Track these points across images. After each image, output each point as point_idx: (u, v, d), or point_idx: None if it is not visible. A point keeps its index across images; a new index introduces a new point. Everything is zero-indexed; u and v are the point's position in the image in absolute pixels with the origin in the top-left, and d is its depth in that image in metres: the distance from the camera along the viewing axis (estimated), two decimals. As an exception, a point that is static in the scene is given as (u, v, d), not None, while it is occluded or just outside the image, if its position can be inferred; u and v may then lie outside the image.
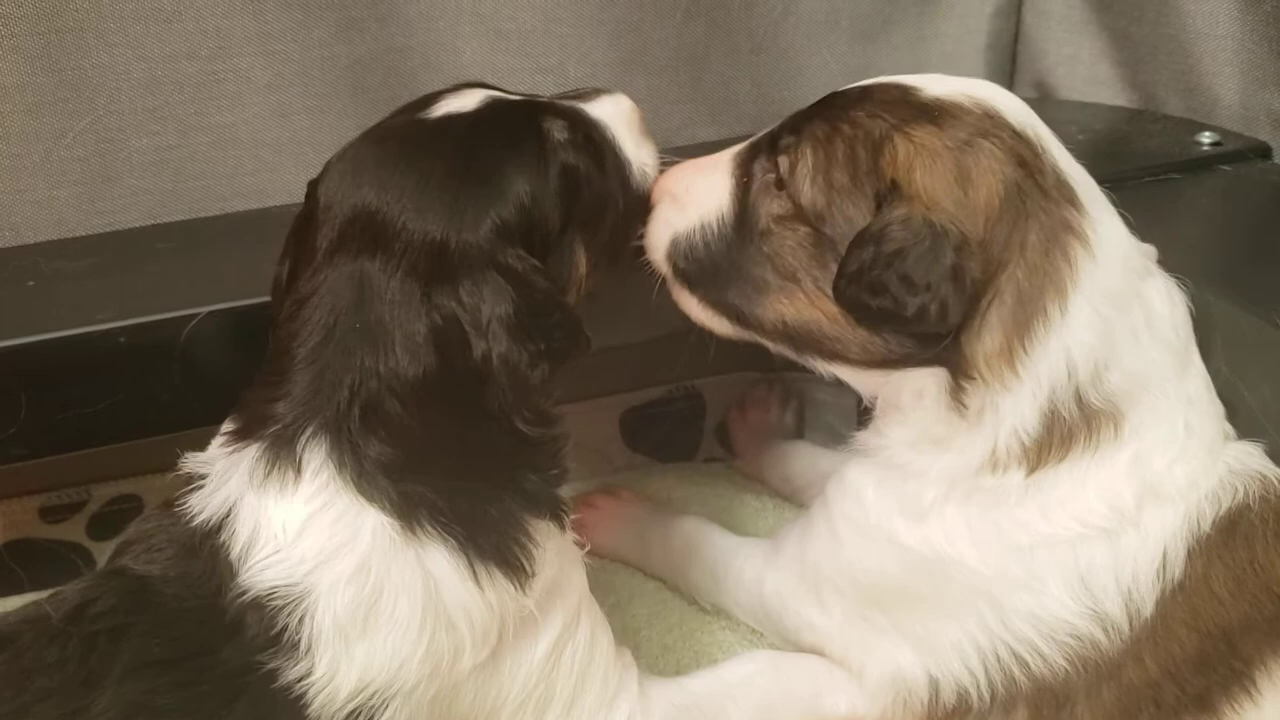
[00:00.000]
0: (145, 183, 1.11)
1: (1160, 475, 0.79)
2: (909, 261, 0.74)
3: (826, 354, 0.83)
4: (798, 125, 0.83)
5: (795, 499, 1.17)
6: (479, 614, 0.74)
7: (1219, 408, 0.84)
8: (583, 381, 1.22)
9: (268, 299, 0.85)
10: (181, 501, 0.75)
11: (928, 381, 0.80)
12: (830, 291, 0.79)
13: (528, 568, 0.75)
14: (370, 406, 0.72)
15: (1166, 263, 0.85)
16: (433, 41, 1.16)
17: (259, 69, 1.11)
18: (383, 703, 0.72)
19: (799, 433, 1.27)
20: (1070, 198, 0.79)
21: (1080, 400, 0.77)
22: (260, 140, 1.13)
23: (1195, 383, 0.83)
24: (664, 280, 0.89)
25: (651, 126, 0.91)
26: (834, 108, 0.82)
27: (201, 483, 0.75)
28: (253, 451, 0.74)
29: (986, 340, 0.77)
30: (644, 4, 1.19)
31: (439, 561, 0.73)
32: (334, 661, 0.71)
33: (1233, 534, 0.79)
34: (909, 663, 0.85)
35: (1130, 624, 0.78)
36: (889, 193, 0.77)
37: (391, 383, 0.72)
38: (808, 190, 0.80)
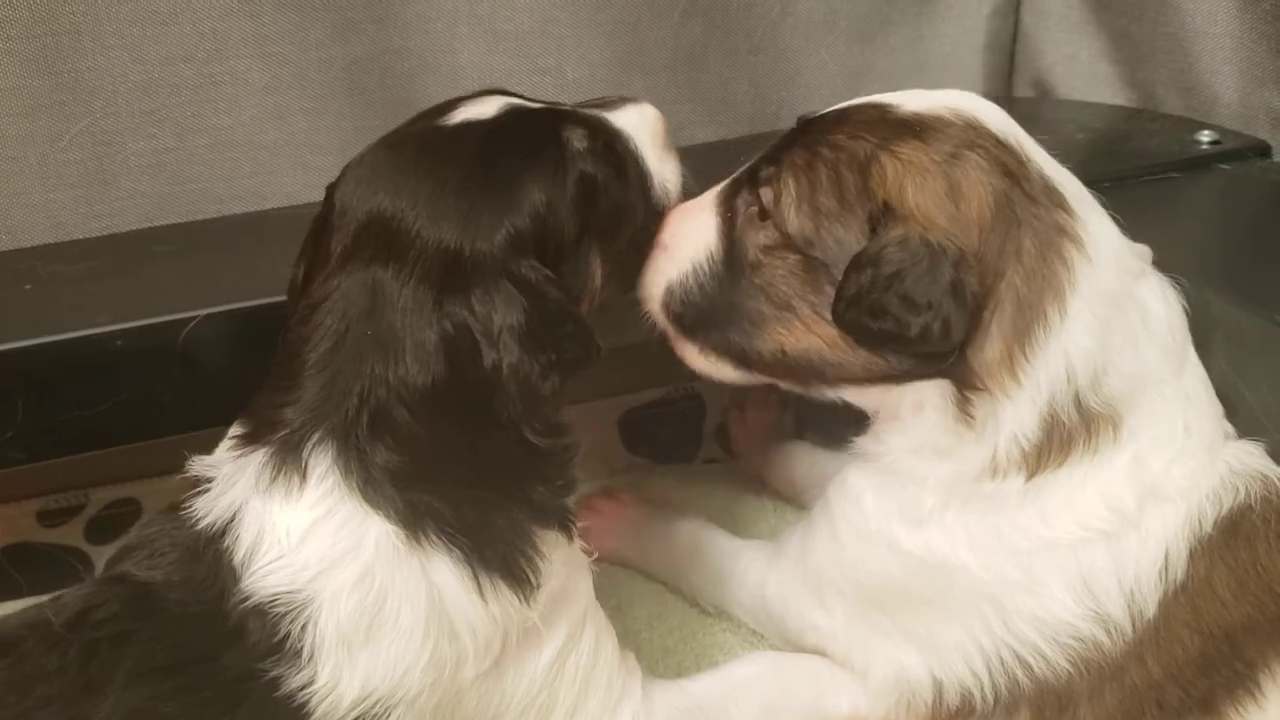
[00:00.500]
0: (142, 185, 1.11)
1: (1159, 475, 0.78)
2: (908, 282, 0.74)
3: (830, 379, 0.83)
4: (776, 155, 0.83)
5: (795, 500, 1.17)
6: (482, 625, 0.74)
7: (1217, 406, 0.84)
8: (581, 383, 1.22)
9: (265, 301, 0.85)
10: (186, 505, 0.75)
11: (929, 393, 0.79)
12: (827, 315, 0.78)
13: (533, 579, 0.75)
14: (379, 414, 0.72)
15: (1166, 262, 0.85)
16: (430, 43, 1.15)
17: (256, 71, 1.11)
18: (385, 711, 0.72)
19: (798, 433, 1.26)
20: (1060, 202, 0.78)
21: (1079, 404, 0.77)
22: (257, 142, 1.13)
23: (1192, 382, 0.82)
24: (663, 334, 0.88)
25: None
26: (811, 134, 0.82)
27: (207, 486, 0.75)
28: (259, 456, 0.73)
29: (988, 350, 0.77)
30: (641, 4, 1.19)
31: (443, 572, 0.73)
32: (337, 669, 0.70)
33: (1235, 534, 0.79)
34: (913, 664, 0.85)
35: (1133, 625, 0.78)
36: (882, 214, 0.76)
37: (401, 391, 0.72)
38: (793, 218, 0.80)
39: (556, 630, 0.80)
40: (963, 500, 0.80)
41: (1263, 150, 1.16)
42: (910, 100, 0.81)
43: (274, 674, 0.70)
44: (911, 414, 0.81)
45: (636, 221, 0.84)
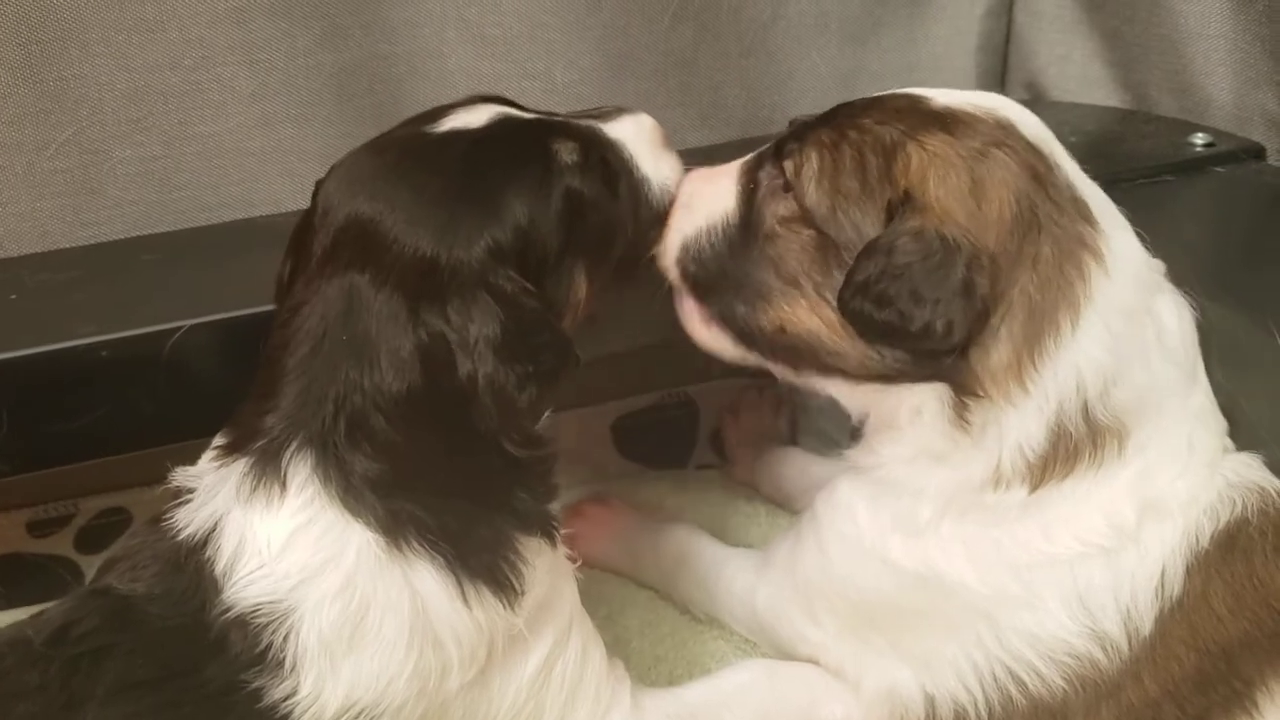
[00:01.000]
0: (130, 194, 1.10)
1: (1162, 492, 0.78)
2: (918, 275, 0.73)
3: (823, 367, 0.82)
4: (803, 132, 0.83)
5: (788, 506, 1.17)
6: (467, 633, 0.73)
7: (1222, 423, 0.83)
8: (574, 389, 1.21)
9: (254, 311, 0.84)
10: (168, 516, 0.75)
11: (927, 397, 0.78)
12: (832, 299, 0.78)
13: (517, 586, 0.75)
14: (355, 421, 0.71)
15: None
16: (418, 48, 1.15)
17: (243, 78, 1.10)
18: None
19: (792, 439, 1.26)
20: (1084, 214, 0.78)
21: (1088, 416, 0.76)
22: (245, 150, 1.12)
23: (1201, 399, 0.82)
24: (668, 291, 0.88)
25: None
26: (841, 115, 0.82)
27: (188, 497, 0.75)
28: (240, 466, 0.73)
29: (995, 355, 0.76)
30: (631, 8, 1.18)
31: (426, 580, 0.72)
32: (319, 680, 0.70)
33: (1231, 549, 0.78)
34: (904, 679, 0.84)
35: (1129, 643, 0.77)
36: (902, 202, 0.76)
37: (377, 398, 0.71)
38: (813, 193, 0.79)
39: (542, 638, 0.79)
40: (961, 511, 0.79)
41: (1257, 152, 1.15)
42: (944, 95, 0.81)
43: (256, 685, 0.69)
44: (909, 421, 0.80)
45: (626, 236, 0.83)
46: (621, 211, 0.83)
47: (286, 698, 0.70)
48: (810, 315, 0.80)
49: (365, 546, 0.71)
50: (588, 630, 0.85)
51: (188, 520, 0.74)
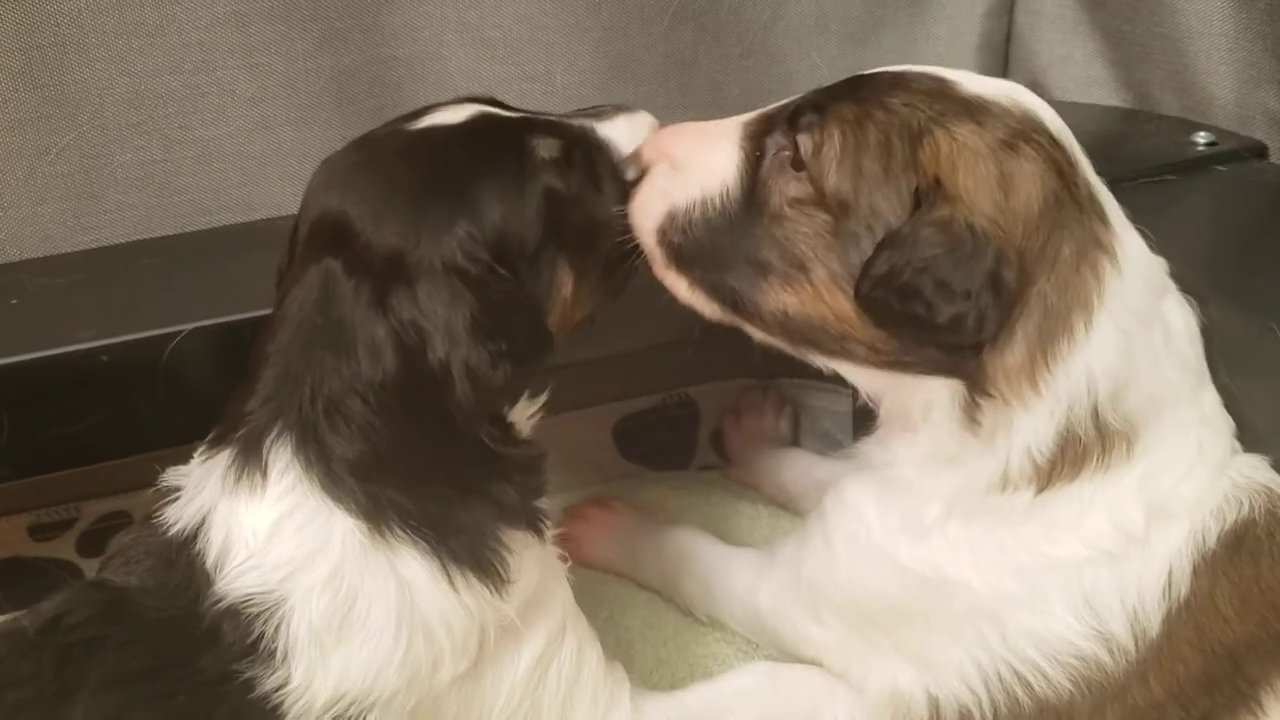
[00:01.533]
0: (130, 198, 1.10)
1: (1169, 495, 0.77)
2: (947, 267, 0.70)
3: (827, 351, 0.79)
4: (822, 104, 0.78)
5: (790, 507, 1.16)
6: (457, 619, 0.74)
7: (1230, 425, 0.83)
8: (575, 390, 1.21)
9: (255, 314, 0.85)
10: (158, 514, 0.75)
11: (939, 393, 0.77)
12: (844, 286, 0.75)
13: (503, 573, 0.75)
14: (333, 404, 0.72)
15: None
16: (418, 51, 1.15)
17: (243, 82, 1.10)
18: (360, 713, 0.72)
19: (794, 440, 1.26)
20: (1100, 213, 0.76)
21: (1097, 419, 0.75)
22: (245, 153, 1.13)
23: (1209, 401, 0.81)
24: (647, 260, 0.83)
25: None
26: (864, 90, 0.77)
27: (177, 495, 0.76)
28: (224, 458, 0.74)
29: (1009, 356, 0.74)
30: (631, 10, 1.18)
31: (411, 565, 0.72)
32: (310, 670, 0.70)
33: (1238, 550, 0.77)
34: (908, 681, 0.83)
35: (1136, 645, 0.76)
36: (931, 191, 0.72)
37: (354, 383, 0.72)
38: (833, 175, 0.75)
39: (534, 634, 0.80)
40: (967, 512, 0.79)
41: (1260, 151, 1.15)
42: (971, 80, 0.77)
43: (249, 676, 0.70)
44: (922, 417, 0.78)
45: (615, 235, 0.82)
46: (609, 212, 0.82)
47: (278, 688, 0.70)
48: (817, 302, 0.77)
49: (349, 534, 0.72)
50: (583, 630, 0.85)
51: (177, 516, 0.74)
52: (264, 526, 0.71)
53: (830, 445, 1.23)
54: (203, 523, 0.73)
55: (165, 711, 0.69)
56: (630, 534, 1.10)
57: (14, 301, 0.97)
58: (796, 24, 1.28)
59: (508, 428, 0.77)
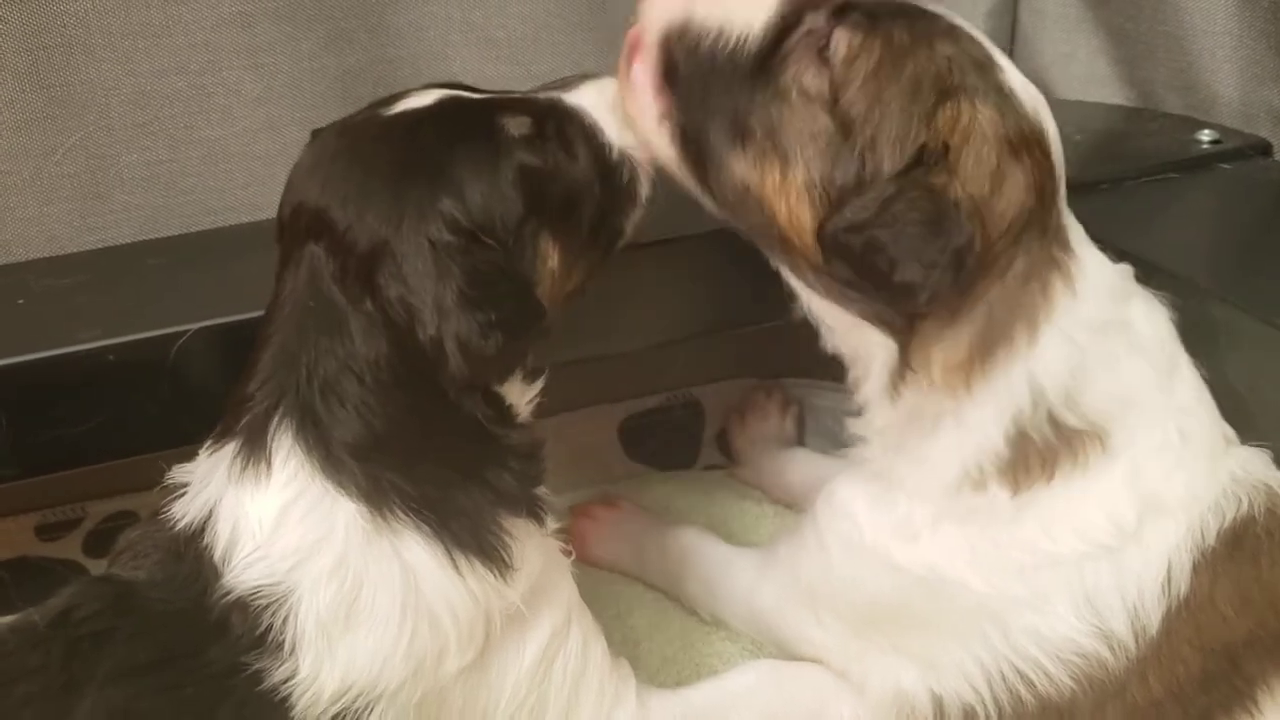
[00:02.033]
0: (136, 198, 1.10)
1: (1159, 485, 0.77)
2: (923, 235, 0.70)
3: (764, 238, 0.78)
4: (876, 13, 0.74)
5: (795, 507, 1.16)
6: (462, 605, 0.74)
7: (1215, 413, 0.82)
8: (581, 390, 1.22)
9: (260, 313, 0.84)
10: (166, 509, 0.76)
11: (874, 344, 0.77)
12: (812, 195, 0.73)
13: (506, 558, 0.75)
14: (329, 385, 0.72)
15: (1167, 264, 0.83)
16: (423, 51, 1.15)
17: (249, 82, 1.10)
18: (367, 705, 0.72)
19: (799, 439, 1.26)
20: (1063, 240, 0.77)
21: (1054, 422, 0.76)
22: (251, 153, 1.12)
23: (1185, 393, 0.81)
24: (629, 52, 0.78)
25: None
26: (920, 22, 0.74)
27: (184, 489, 0.76)
28: (230, 448, 0.74)
29: (947, 347, 0.75)
30: (636, 8, 1.18)
31: (415, 550, 0.73)
32: (317, 661, 0.71)
33: (1238, 548, 0.77)
34: (911, 680, 0.83)
35: (1136, 642, 0.76)
36: (937, 155, 0.71)
37: (349, 362, 0.72)
38: (854, 89, 0.72)
39: (539, 625, 0.80)
40: (957, 515, 0.79)
41: (1264, 149, 1.15)
42: (1011, 71, 0.76)
43: (257, 667, 0.70)
44: (865, 358, 0.79)
45: (595, 202, 0.82)
46: (586, 178, 0.81)
47: (286, 680, 0.70)
48: (779, 194, 0.74)
49: (352, 520, 0.72)
50: (588, 624, 0.85)
51: (184, 511, 0.75)
52: (270, 516, 0.72)
53: (835, 445, 1.22)
54: (210, 515, 0.73)
55: (174, 703, 0.69)
56: (636, 533, 1.10)
57: (20, 301, 0.97)
58: (800, 24, 1.28)
59: (503, 408, 0.77)
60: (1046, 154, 0.76)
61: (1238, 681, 0.76)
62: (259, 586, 0.71)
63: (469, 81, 1.15)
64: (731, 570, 1.00)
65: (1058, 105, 1.23)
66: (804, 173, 0.74)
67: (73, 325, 0.91)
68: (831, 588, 0.87)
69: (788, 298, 0.82)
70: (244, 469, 0.73)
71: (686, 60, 0.76)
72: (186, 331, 0.90)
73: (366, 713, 0.72)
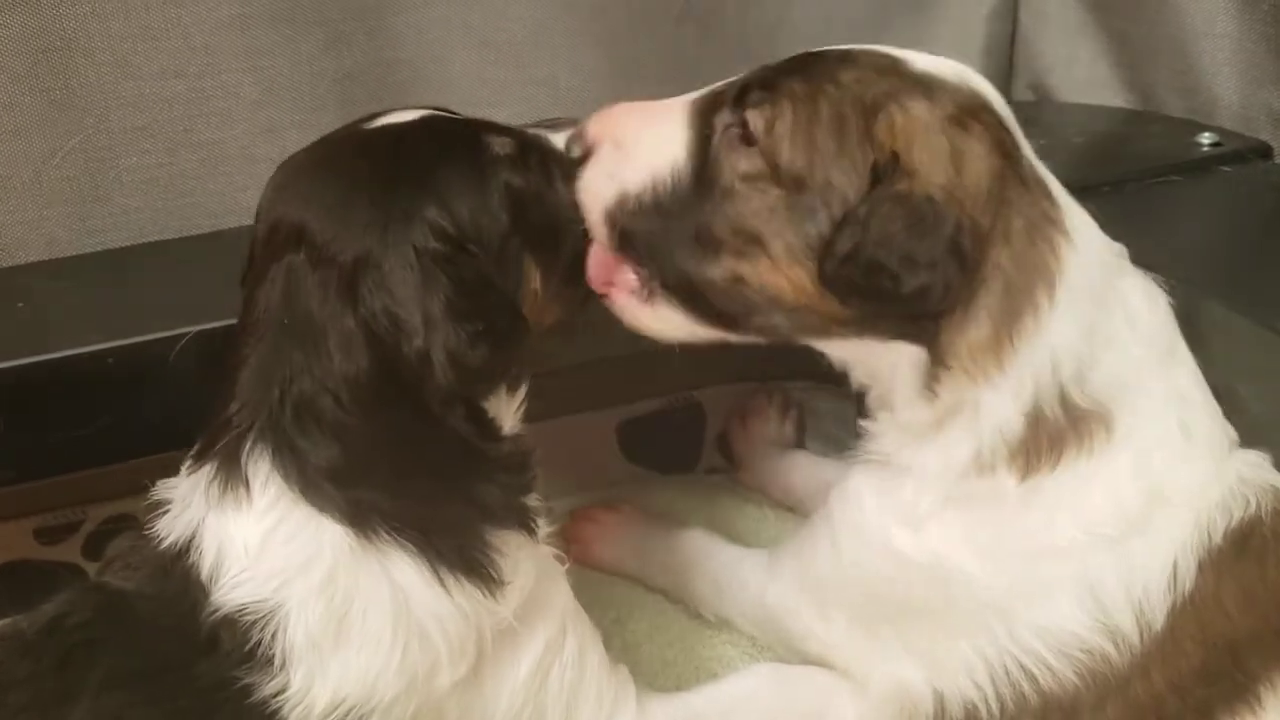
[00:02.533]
0: (136, 201, 1.10)
1: (1163, 477, 0.77)
2: (911, 239, 0.71)
3: (785, 328, 0.79)
4: (770, 80, 0.77)
5: (797, 509, 1.16)
6: (451, 622, 0.73)
7: (1214, 404, 0.82)
8: (579, 394, 1.21)
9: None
10: (150, 526, 0.75)
11: (902, 360, 0.77)
12: (801, 258, 0.74)
13: (494, 574, 0.74)
14: (302, 407, 0.71)
15: (1167, 266, 0.83)
16: (422, 54, 1.15)
17: (247, 85, 1.10)
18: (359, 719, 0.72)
19: (800, 442, 1.26)
20: (1046, 191, 0.77)
21: (1064, 400, 0.75)
22: (250, 156, 1.12)
23: (1184, 380, 0.81)
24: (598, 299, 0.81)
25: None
26: (814, 66, 0.77)
27: (167, 508, 0.75)
28: (207, 471, 0.74)
29: (973, 332, 0.74)
30: (636, 13, 1.19)
31: (403, 568, 0.72)
32: (309, 676, 0.70)
33: (1244, 548, 0.77)
34: (913, 677, 0.83)
35: (1141, 638, 0.76)
36: (889, 165, 0.72)
37: (325, 381, 0.71)
38: (786, 150, 0.74)
39: (533, 638, 0.79)
40: (961, 501, 0.78)
41: (1264, 152, 1.15)
42: (919, 58, 0.78)
43: (247, 682, 0.70)
44: (889, 385, 0.79)
45: (577, 234, 0.81)
46: (567, 213, 0.80)
47: (277, 694, 0.70)
48: (774, 274, 0.75)
49: (339, 541, 0.71)
50: (585, 632, 0.85)
51: (168, 530, 0.74)
52: (254, 540, 0.71)
53: (836, 447, 1.22)
54: (194, 536, 0.73)
55: (165, 713, 0.69)
56: (639, 536, 1.10)
57: (20, 305, 0.97)
58: (801, 27, 1.28)
59: (486, 421, 0.76)
60: (990, 110, 0.76)
61: (1239, 677, 0.76)
62: (246, 604, 0.70)
63: (468, 84, 1.16)
64: (741, 569, 1.00)
65: (1059, 108, 1.23)
66: (783, 243, 0.75)
67: (72, 328, 0.91)
68: (840, 579, 0.86)
69: (817, 359, 0.83)
70: (223, 493, 0.72)
71: (635, 223, 0.78)
72: (186, 334, 0.90)
73: None
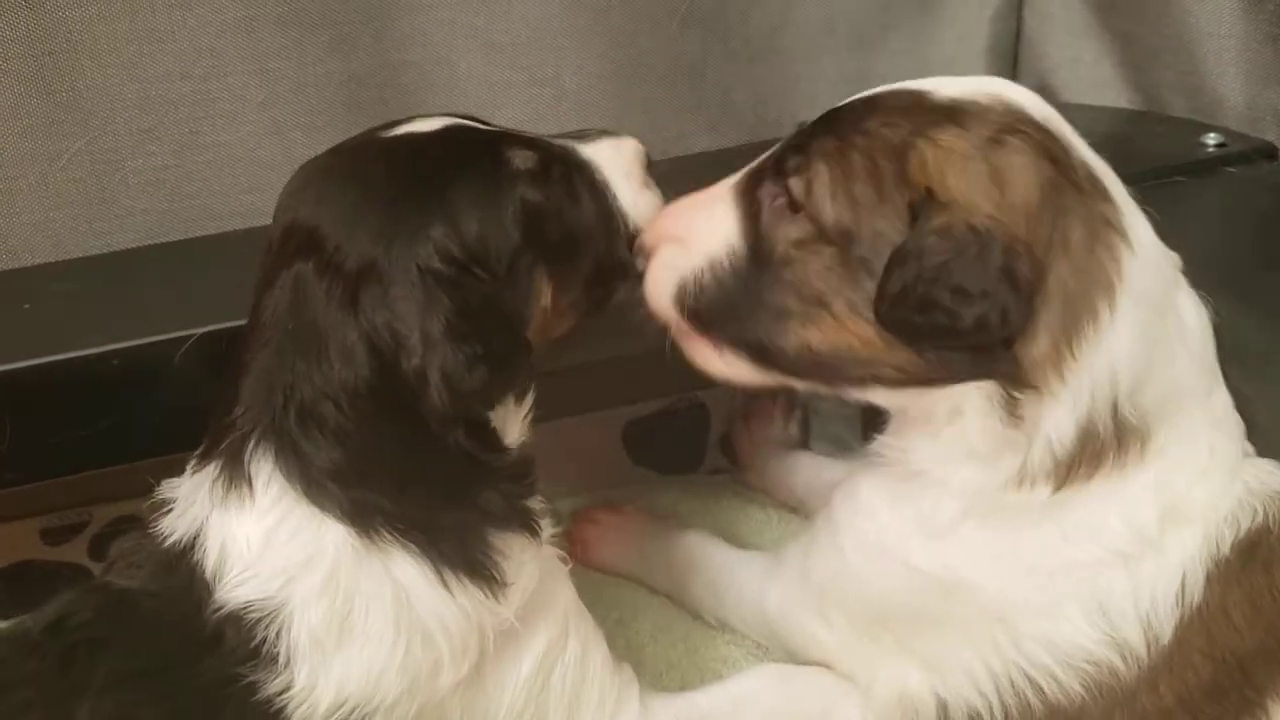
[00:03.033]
0: (141, 203, 1.10)
1: (1181, 497, 0.76)
2: (958, 272, 0.70)
3: (858, 380, 0.79)
4: (803, 144, 0.79)
5: (800, 510, 1.16)
6: (454, 622, 0.73)
7: (1241, 427, 0.82)
8: (583, 394, 1.22)
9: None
10: (154, 524, 0.76)
11: (970, 395, 0.75)
12: (864, 312, 0.75)
13: (497, 575, 0.74)
14: (305, 411, 0.71)
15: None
16: (428, 56, 1.15)
17: (253, 87, 1.10)
18: (364, 718, 0.72)
19: (803, 443, 1.26)
20: (1104, 193, 0.76)
21: (1116, 415, 0.74)
22: (256, 158, 1.12)
23: (1221, 402, 0.80)
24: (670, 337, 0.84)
25: (649, 138, 0.89)
26: (840, 121, 0.78)
27: (170, 506, 0.76)
28: (211, 470, 0.74)
29: (1034, 346, 0.73)
30: (640, 14, 1.18)
31: (405, 568, 0.72)
32: (313, 674, 0.71)
33: (1252, 558, 0.77)
34: (916, 683, 0.83)
35: (1148, 651, 0.76)
36: (924, 202, 0.73)
37: (326, 388, 0.71)
38: (829, 208, 0.75)
39: (535, 638, 0.79)
40: (982, 513, 0.78)
41: (1270, 152, 1.14)
42: (944, 86, 0.77)
43: (251, 679, 0.70)
44: (946, 419, 0.77)
45: (596, 252, 0.81)
46: (589, 226, 0.81)
47: (281, 692, 0.70)
48: (841, 332, 0.76)
49: (341, 540, 0.72)
50: (587, 631, 0.85)
51: (172, 528, 0.75)
52: (257, 539, 0.71)
53: (840, 448, 1.23)
54: (198, 534, 0.73)
55: (170, 712, 0.69)
56: (640, 537, 1.10)
57: (26, 306, 0.98)
58: (804, 28, 1.28)
59: (488, 435, 0.75)
60: (1029, 120, 0.75)
61: (1248, 691, 0.76)
62: (251, 602, 0.71)
63: (473, 86, 1.16)
64: (739, 573, 1.00)
65: (1063, 109, 1.23)
66: (843, 300, 0.76)
67: (78, 330, 0.91)
68: (842, 586, 0.86)
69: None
70: (226, 492, 0.73)
71: (701, 304, 0.81)
72: (191, 336, 0.90)
73: None
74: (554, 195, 0.79)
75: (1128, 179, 0.91)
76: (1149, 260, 0.76)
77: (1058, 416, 0.74)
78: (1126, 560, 0.76)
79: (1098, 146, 0.80)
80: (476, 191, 0.75)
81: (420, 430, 0.72)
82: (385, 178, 0.75)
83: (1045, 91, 1.38)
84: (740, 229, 0.80)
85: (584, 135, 0.85)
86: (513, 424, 0.78)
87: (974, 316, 0.71)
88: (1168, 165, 1.11)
